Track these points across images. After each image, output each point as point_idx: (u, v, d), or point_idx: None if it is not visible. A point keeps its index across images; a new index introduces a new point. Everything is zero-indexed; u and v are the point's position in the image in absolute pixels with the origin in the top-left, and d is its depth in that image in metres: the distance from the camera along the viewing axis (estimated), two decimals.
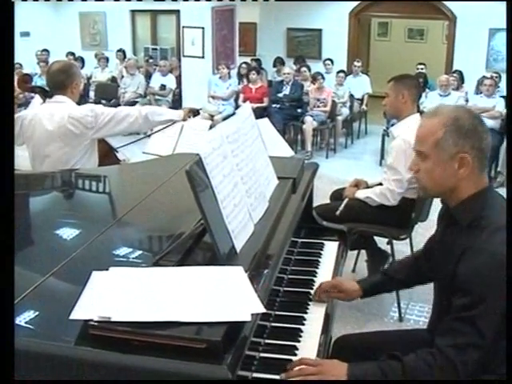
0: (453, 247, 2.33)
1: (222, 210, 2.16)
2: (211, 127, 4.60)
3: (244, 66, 12.62)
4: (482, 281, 2.16)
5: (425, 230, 4.71)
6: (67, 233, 2.64)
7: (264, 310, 1.82)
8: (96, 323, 1.66)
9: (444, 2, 12.65)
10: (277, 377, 2.15)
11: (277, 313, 2.56)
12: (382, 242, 5.18)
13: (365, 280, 3.01)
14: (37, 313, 1.85)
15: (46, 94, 4.24)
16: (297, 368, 2.19)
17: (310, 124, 10.42)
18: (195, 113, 4.56)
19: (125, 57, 14.36)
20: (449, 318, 2.25)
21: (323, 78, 10.99)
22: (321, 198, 4.67)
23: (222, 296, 1.81)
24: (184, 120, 4.46)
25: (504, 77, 10.99)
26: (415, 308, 4.91)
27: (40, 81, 11.75)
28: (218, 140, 2.31)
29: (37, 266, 2.20)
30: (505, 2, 11.06)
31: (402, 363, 2.21)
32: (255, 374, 2.12)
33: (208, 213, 2.07)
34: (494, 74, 10.55)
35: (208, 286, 1.86)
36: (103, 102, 12.58)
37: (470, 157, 2.26)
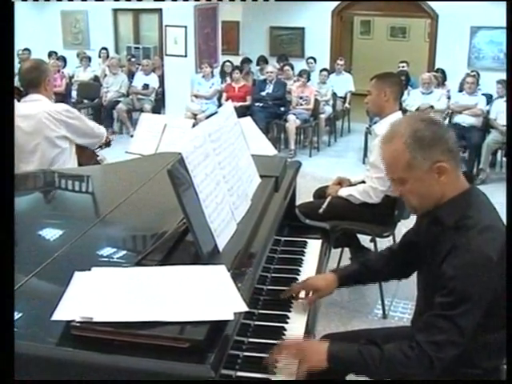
0: (438, 246, 2.34)
1: (204, 208, 2.16)
2: (194, 126, 4.61)
3: (228, 64, 12.59)
4: (466, 280, 2.17)
5: (407, 227, 4.69)
6: (50, 233, 2.63)
7: (246, 309, 1.82)
8: (78, 324, 1.65)
9: (426, 0, 12.70)
10: (260, 375, 2.15)
11: (260, 311, 2.56)
12: (365, 240, 5.19)
13: (340, 269, 2.99)
14: (19, 314, 1.84)
15: (20, 94, 4.24)
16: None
17: (293, 122, 10.42)
18: (107, 143, 4.67)
19: (108, 56, 14.28)
20: (430, 314, 2.27)
21: (309, 76, 11.00)
22: (304, 195, 4.67)
23: (205, 295, 1.80)
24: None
25: (484, 75, 11.07)
26: (399, 305, 4.93)
27: None
28: (199, 138, 2.31)
29: (19, 267, 2.18)
30: (487, 1, 11.19)
31: (381, 350, 2.25)
32: (239, 373, 2.12)
33: (190, 212, 2.06)
34: (471, 73, 10.61)
35: (190, 285, 1.86)
36: (86, 101, 12.56)
37: (446, 163, 2.25)
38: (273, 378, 2.17)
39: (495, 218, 2.32)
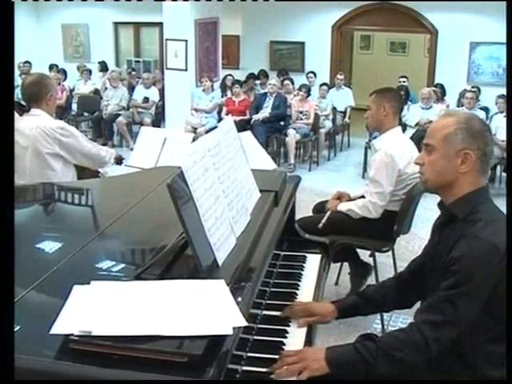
0: (449, 239, 2.43)
1: (204, 223, 2.16)
2: (194, 140, 4.62)
3: (229, 78, 12.61)
4: (470, 263, 2.28)
5: (407, 243, 4.74)
6: (49, 246, 2.63)
7: (245, 324, 1.82)
8: (77, 337, 1.65)
9: (425, 16, 12.76)
10: None
11: (259, 326, 2.55)
12: (364, 255, 5.20)
13: (340, 301, 2.99)
14: (17, 327, 1.84)
15: (22, 109, 4.24)
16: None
17: (292, 137, 10.43)
18: (120, 161, 4.71)
19: (106, 69, 14.32)
20: (432, 296, 2.37)
21: (309, 90, 11.02)
22: (303, 210, 4.68)
23: (204, 309, 1.80)
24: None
25: (484, 90, 11.10)
26: (398, 320, 4.91)
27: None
28: (199, 153, 2.31)
29: (18, 280, 2.18)
30: (485, 17, 11.25)
31: (376, 342, 2.33)
32: None
33: (189, 226, 2.06)
34: (473, 89, 10.64)
35: (189, 300, 1.86)
36: (86, 114, 12.59)
37: (475, 156, 2.40)
38: None
39: (501, 216, 2.45)
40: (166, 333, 1.65)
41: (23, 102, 4.37)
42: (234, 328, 1.76)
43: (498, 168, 9.35)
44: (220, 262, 2.20)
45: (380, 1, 12.86)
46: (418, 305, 2.57)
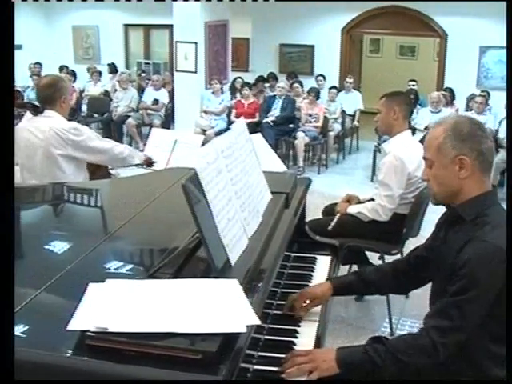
0: (456, 241, 2.45)
1: (217, 223, 2.19)
2: (204, 143, 4.65)
3: (239, 80, 12.65)
4: (479, 266, 2.30)
5: (416, 246, 4.73)
6: (61, 246, 2.66)
7: (259, 322, 1.85)
8: (93, 334, 1.68)
9: (435, 20, 12.75)
10: None
11: (270, 326, 2.59)
12: (373, 257, 5.22)
13: (336, 278, 3.07)
14: (33, 325, 1.87)
15: (36, 110, 4.26)
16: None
17: (301, 139, 10.46)
18: (150, 164, 4.66)
19: (116, 71, 14.39)
20: (440, 301, 2.39)
21: (318, 94, 11.04)
22: (312, 212, 4.69)
23: (218, 308, 1.84)
24: (142, 165, 4.61)
25: (493, 94, 11.08)
26: (406, 323, 4.93)
27: (32, 94, 11.78)
28: (212, 155, 2.34)
29: (31, 280, 2.22)
30: (495, 20, 11.24)
31: (385, 345, 2.36)
32: None
33: (203, 226, 2.09)
34: (482, 93, 10.63)
35: (203, 298, 1.89)
36: (96, 115, 12.64)
37: (470, 159, 2.41)
38: None
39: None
40: (181, 330, 1.68)
41: (36, 103, 4.41)
42: (247, 326, 1.79)
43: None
44: (233, 263, 2.23)
45: (390, 1, 12.84)
46: (426, 309, 2.60)
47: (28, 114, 4.40)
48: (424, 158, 2.56)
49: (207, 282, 2.01)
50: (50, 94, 4.22)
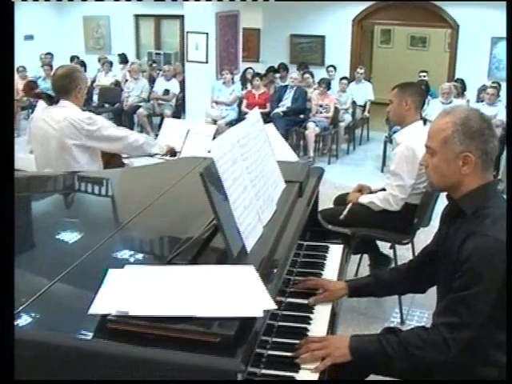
0: (457, 235, 2.46)
1: (234, 211, 2.23)
2: (215, 133, 4.68)
3: (250, 70, 12.68)
4: (481, 261, 2.31)
5: (426, 236, 4.74)
6: (76, 235, 2.69)
7: (275, 307, 1.88)
8: (114, 317, 1.72)
9: (447, 11, 12.74)
10: (284, 373, 2.22)
11: (284, 312, 2.62)
12: (384, 247, 5.26)
13: (353, 280, 3.12)
14: (52, 311, 1.93)
15: (51, 100, 4.27)
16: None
17: (312, 130, 10.49)
18: (173, 154, 4.64)
19: (126, 61, 14.44)
20: (447, 297, 2.41)
21: (329, 84, 11.06)
22: (323, 202, 4.70)
23: (235, 293, 1.88)
24: (163, 156, 4.56)
25: (504, 85, 11.06)
26: (415, 314, 4.96)
27: (44, 84, 11.84)
28: (228, 144, 2.38)
29: (51, 266, 2.27)
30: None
31: (398, 337, 2.40)
32: (263, 371, 2.18)
33: (220, 214, 2.14)
34: (493, 84, 10.62)
35: (221, 283, 1.93)
36: (106, 105, 12.69)
37: (474, 157, 2.41)
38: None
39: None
40: (199, 314, 1.72)
41: (50, 93, 4.43)
42: (263, 311, 1.82)
43: None
44: (248, 250, 2.27)
45: None
46: (436, 300, 2.63)
47: (42, 104, 4.43)
48: (426, 145, 2.55)
49: (224, 268, 2.05)
50: (65, 84, 4.22)
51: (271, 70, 13.12)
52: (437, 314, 2.45)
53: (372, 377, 2.80)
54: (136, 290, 1.86)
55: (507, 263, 2.30)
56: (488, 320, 2.35)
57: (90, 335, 1.76)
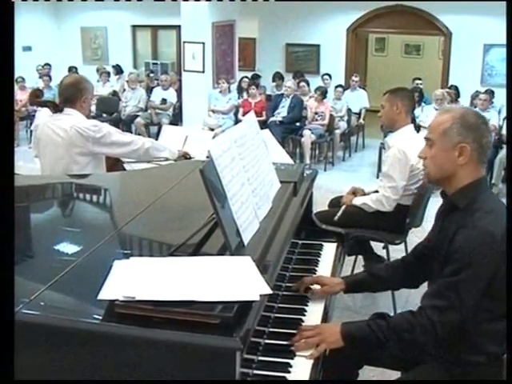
0: (450, 228, 2.59)
1: (232, 206, 2.37)
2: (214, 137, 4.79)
3: (245, 79, 12.81)
4: (470, 250, 2.44)
5: (419, 236, 4.87)
6: (75, 237, 2.79)
7: (271, 292, 2.02)
8: (121, 302, 1.86)
9: (440, 18, 12.89)
10: (281, 360, 2.35)
11: (279, 305, 2.75)
12: (378, 247, 5.38)
13: (349, 276, 3.26)
14: (62, 298, 2.06)
15: (56, 109, 4.34)
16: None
17: (308, 137, 10.61)
18: (187, 158, 4.66)
19: (121, 72, 14.61)
20: (437, 282, 2.54)
21: (326, 93, 11.21)
22: (319, 207, 4.83)
23: (233, 280, 2.01)
24: (175, 161, 4.55)
25: (497, 92, 11.21)
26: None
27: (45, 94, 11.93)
28: (226, 143, 2.52)
29: (57, 260, 2.40)
30: (499, 19, 11.35)
31: (387, 321, 2.53)
32: (261, 358, 2.31)
33: (219, 208, 2.27)
34: (486, 91, 10.76)
35: (220, 271, 2.07)
36: (104, 115, 12.79)
37: (470, 148, 2.56)
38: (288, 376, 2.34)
39: (500, 205, 2.61)
40: (200, 298, 1.86)
41: (56, 101, 4.50)
42: (260, 295, 1.96)
43: None
44: (245, 243, 2.40)
45: (395, 0, 12.98)
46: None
47: (44, 112, 4.49)
48: (426, 138, 2.70)
49: (223, 259, 2.20)
50: (72, 94, 4.29)
51: (255, 77, 13.59)
52: (425, 297, 2.57)
53: (372, 377, 2.90)
54: (141, 278, 2.00)
55: (507, 262, 2.43)
56: (476, 308, 2.47)
57: (99, 319, 1.89)
